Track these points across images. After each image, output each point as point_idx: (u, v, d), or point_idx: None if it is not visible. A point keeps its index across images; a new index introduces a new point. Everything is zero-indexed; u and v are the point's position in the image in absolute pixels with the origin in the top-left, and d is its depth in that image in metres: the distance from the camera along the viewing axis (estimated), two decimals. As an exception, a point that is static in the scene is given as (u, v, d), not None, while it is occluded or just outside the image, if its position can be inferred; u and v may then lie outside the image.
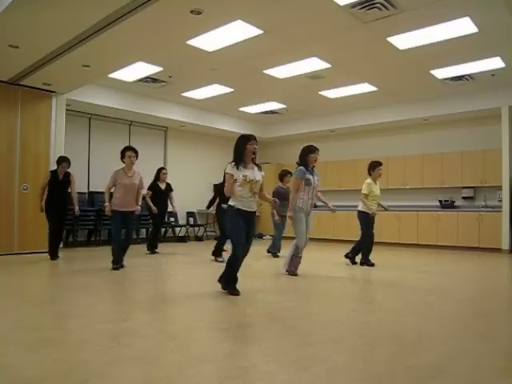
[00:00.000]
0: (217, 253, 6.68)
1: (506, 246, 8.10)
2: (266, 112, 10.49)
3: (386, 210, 6.66)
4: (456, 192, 9.19)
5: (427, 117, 9.20)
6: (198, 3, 4.67)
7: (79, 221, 8.38)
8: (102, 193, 10.00)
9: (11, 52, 5.78)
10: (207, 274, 5.42)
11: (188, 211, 10.74)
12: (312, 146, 5.29)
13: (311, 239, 5.51)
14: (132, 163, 5.54)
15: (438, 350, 2.51)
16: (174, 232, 10.48)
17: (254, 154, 4.00)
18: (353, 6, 4.90)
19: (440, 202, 9.22)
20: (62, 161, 6.48)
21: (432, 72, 7.30)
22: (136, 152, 5.60)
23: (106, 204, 5.50)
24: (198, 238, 10.79)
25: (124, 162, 5.57)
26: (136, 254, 7.59)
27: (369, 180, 6.25)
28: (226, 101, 9.35)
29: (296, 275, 5.19)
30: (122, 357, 2.34)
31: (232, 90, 8.53)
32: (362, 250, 6.32)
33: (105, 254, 7.59)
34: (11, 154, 7.06)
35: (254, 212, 4.05)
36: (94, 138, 9.22)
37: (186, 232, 10.54)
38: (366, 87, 8.27)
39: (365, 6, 4.92)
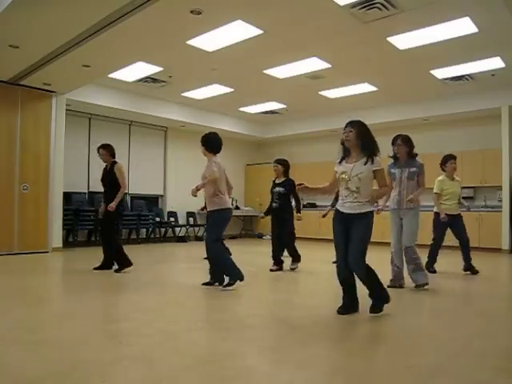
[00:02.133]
0: (295, 258, 5.78)
1: (506, 245, 8.10)
2: (266, 112, 10.48)
3: (468, 209, 5.92)
4: (456, 192, 9.18)
5: (427, 117, 9.20)
6: (198, 3, 4.67)
7: (79, 221, 8.39)
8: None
9: (11, 52, 5.78)
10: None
11: (188, 211, 10.75)
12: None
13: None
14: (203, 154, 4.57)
15: (437, 350, 2.51)
16: (174, 232, 10.48)
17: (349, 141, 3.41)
18: (353, 5, 4.90)
19: (440, 201, 9.21)
20: (98, 148, 5.44)
21: (432, 72, 7.30)
22: (202, 141, 4.52)
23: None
24: (198, 238, 10.79)
25: None
26: (136, 255, 7.58)
27: (440, 177, 5.66)
28: (225, 101, 9.35)
29: (402, 286, 4.49)
30: (122, 357, 2.34)
31: (232, 90, 8.53)
32: (434, 254, 5.70)
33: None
34: (11, 153, 7.05)
35: (355, 214, 3.27)
36: (94, 138, 9.20)
37: (186, 232, 10.55)
38: (365, 87, 8.27)
39: (365, 6, 4.92)
